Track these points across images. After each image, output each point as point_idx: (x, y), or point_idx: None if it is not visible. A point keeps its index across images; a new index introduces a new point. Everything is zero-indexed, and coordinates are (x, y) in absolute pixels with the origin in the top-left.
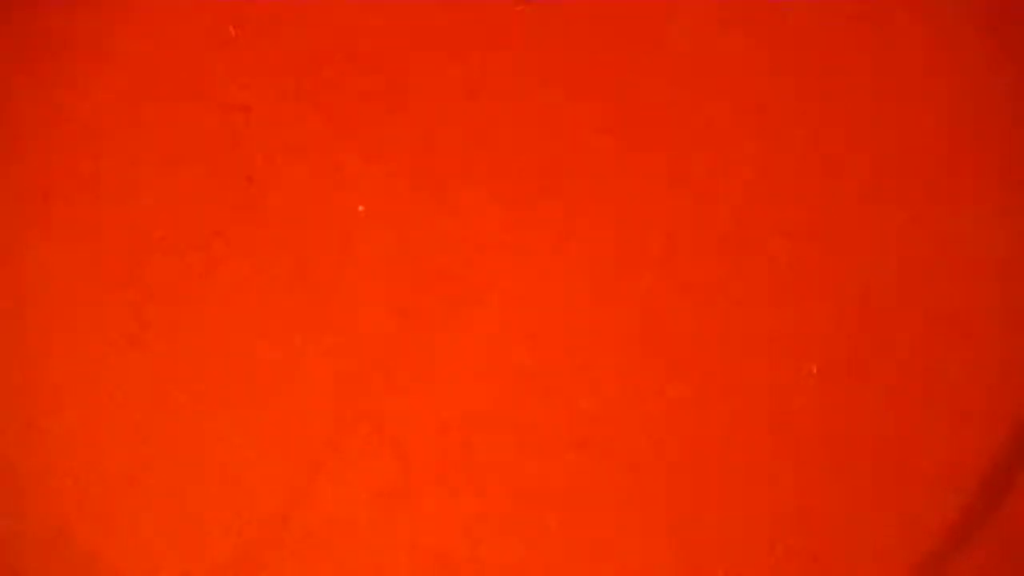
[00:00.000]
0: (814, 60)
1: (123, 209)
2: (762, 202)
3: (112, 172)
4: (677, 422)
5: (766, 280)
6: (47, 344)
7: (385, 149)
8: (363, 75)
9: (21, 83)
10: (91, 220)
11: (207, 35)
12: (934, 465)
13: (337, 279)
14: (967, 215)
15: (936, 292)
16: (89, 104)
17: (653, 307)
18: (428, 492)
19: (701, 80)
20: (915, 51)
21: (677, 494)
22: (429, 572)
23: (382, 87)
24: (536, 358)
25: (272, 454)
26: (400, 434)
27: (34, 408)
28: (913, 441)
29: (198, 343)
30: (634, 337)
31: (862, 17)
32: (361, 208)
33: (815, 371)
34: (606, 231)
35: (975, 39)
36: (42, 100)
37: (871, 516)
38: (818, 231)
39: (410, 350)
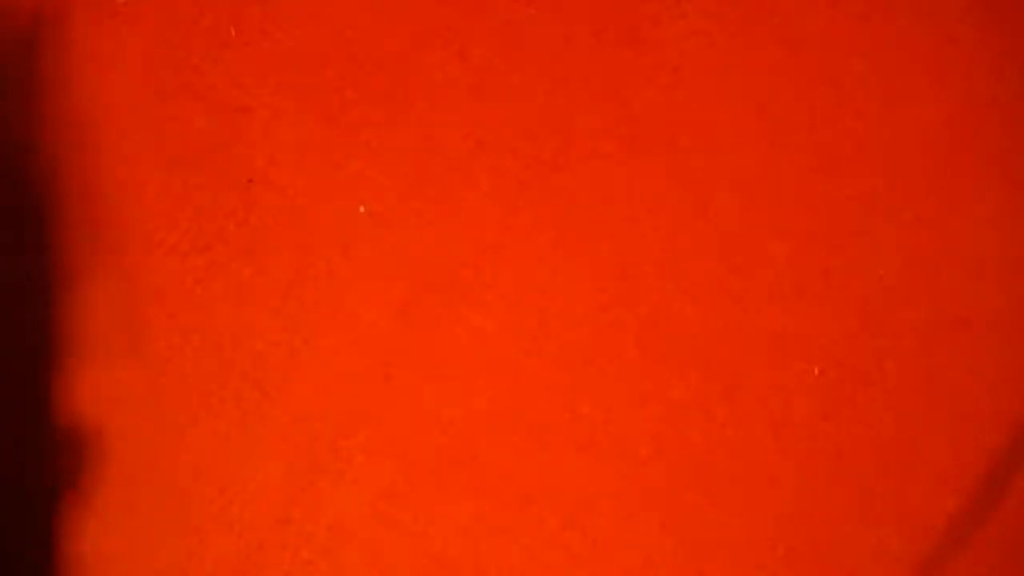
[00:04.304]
0: (815, 61)
1: (123, 209)
2: (763, 203)
3: (112, 172)
4: (679, 423)
5: (768, 282)
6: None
7: (385, 149)
8: (363, 75)
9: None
10: (92, 221)
11: (207, 35)
12: (934, 465)
13: (337, 279)
14: (967, 215)
15: (937, 293)
16: (89, 104)
17: (654, 308)
18: (428, 493)
19: (702, 81)
20: (916, 52)
21: (678, 495)
22: (429, 572)
23: (382, 87)
24: (537, 359)
25: (272, 455)
26: (400, 434)
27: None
28: (913, 442)
29: (199, 344)
30: (635, 338)
31: (863, 19)
32: (362, 208)
33: (817, 372)
34: (607, 232)
35: (976, 40)
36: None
37: (871, 516)
38: (819, 232)
39: (410, 350)
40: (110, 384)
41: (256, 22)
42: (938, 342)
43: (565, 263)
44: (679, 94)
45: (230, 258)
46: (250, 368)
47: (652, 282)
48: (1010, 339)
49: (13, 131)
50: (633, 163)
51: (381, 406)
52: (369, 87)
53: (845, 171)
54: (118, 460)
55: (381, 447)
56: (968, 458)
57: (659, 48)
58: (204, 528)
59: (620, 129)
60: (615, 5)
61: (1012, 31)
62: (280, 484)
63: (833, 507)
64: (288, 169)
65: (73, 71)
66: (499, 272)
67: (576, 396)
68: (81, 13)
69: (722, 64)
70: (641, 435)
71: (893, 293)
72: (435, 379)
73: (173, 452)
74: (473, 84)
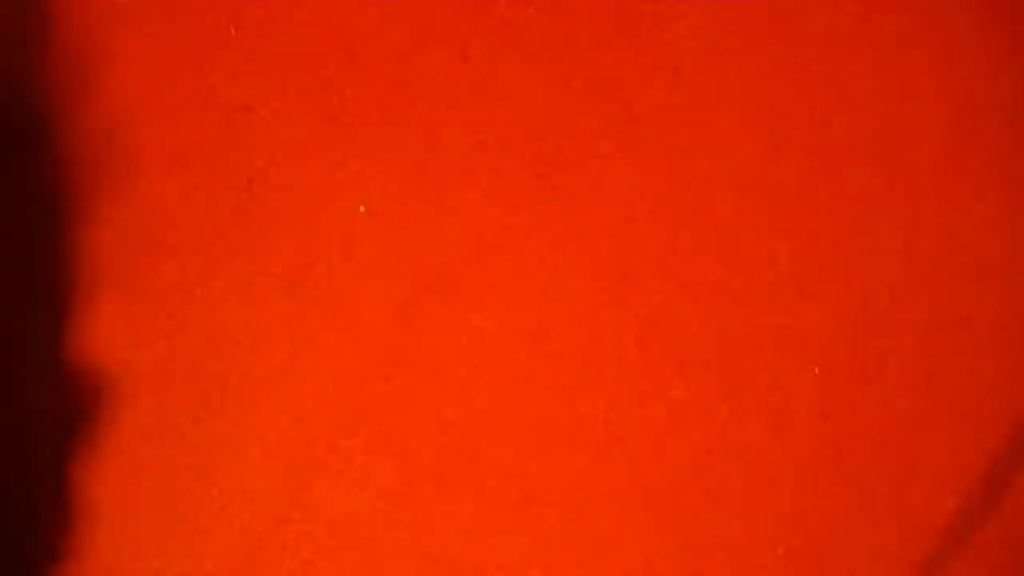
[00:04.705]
0: (815, 61)
1: (123, 209)
2: (763, 203)
3: (112, 172)
4: (678, 422)
5: (767, 281)
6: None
7: (385, 149)
8: (363, 75)
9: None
10: (91, 220)
11: (207, 35)
12: (934, 465)
13: (337, 279)
14: (967, 215)
15: (936, 293)
16: (90, 104)
17: (654, 308)
18: (428, 492)
19: (702, 81)
20: (916, 52)
21: (678, 494)
22: (429, 572)
23: (382, 87)
24: (536, 359)
25: (272, 454)
26: (400, 434)
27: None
28: (913, 441)
29: (199, 344)
30: (635, 338)
31: (863, 19)
32: (362, 208)
33: (817, 372)
34: (607, 232)
35: (976, 40)
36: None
37: (871, 516)
38: (818, 232)
39: (410, 350)
40: (110, 382)
41: (256, 22)
42: (938, 342)
43: (565, 263)
44: (679, 94)
45: (230, 258)
46: (250, 368)
47: (652, 282)
48: (1010, 339)
49: (12, 133)
50: (633, 163)
51: (381, 406)
52: (369, 87)
53: (845, 171)
54: (117, 460)
55: (381, 447)
56: (968, 458)
57: (659, 48)
58: (204, 528)
59: (620, 129)
60: (615, 5)
61: (1012, 31)
62: (280, 484)
63: (833, 507)
64: (288, 169)
65: (72, 71)
66: (499, 272)
67: (576, 396)
68: (80, 13)
69: (722, 64)
70: (641, 435)
71: (893, 293)
72: (435, 379)
73: (173, 452)
74: (473, 84)
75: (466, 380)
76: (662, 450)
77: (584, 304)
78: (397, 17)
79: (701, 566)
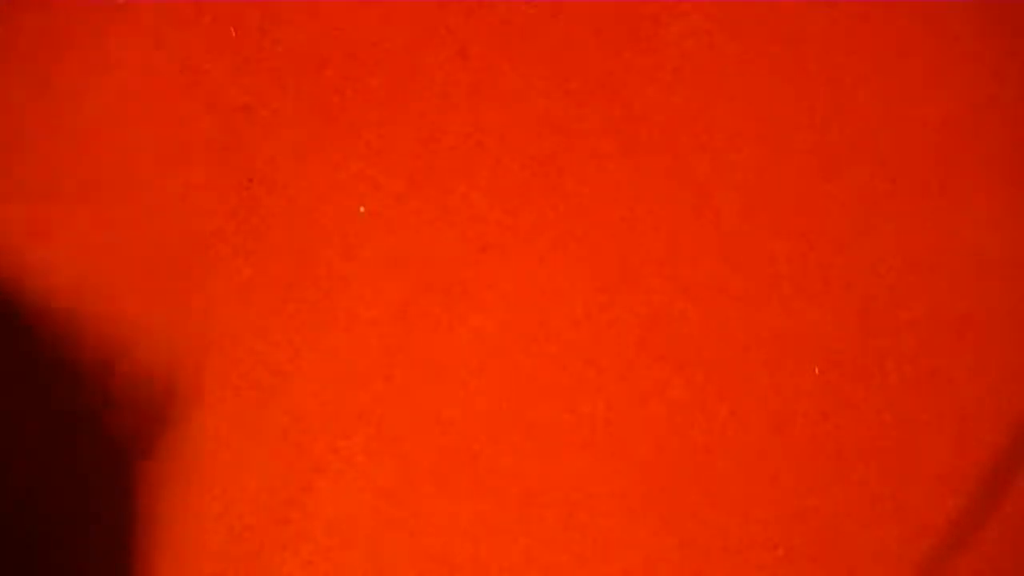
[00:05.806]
0: (815, 61)
1: (123, 209)
2: (763, 203)
3: (113, 172)
4: (679, 423)
5: (768, 281)
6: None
7: (385, 149)
8: (363, 75)
9: (23, 84)
10: (92, 220)
11: (207, 36)
12: (934, 465)
13: (337, 279)
14: (967, 215)
15: (937, 293)
16: (91, 105)
17: (655, 308)
18: (428, 492)
19: (703, 82)
20: (916, 52)
21: (679, 495)
22: (429, 572)
23: (382, 87)
24: (537, 359)
25: (272, 455)
26: (400, 434)
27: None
28: (913, 441)
29: (199, 344)
30: (636, 338)
31: (863, 19)
32: (362, 209)
33: (817, 372)
34: (607, 232)
35: (976, 40)
36: (44, 101)
37: (871, 516)
38: (819, 232)
39: (410, 350)
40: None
41: (256, 22)
42: (938, 342)
43: (565, 263)
44: (679, 94)
45: (230, 258)
46: (250, 368)
47: (652, 282)
48: (1010, 339)
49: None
50: (633, 163)
51: (381, 406)
52: (369, 87)
53: (845, 171)
54: None
55: (381, 447)
56: (968, 458)
57: (659, 48)
58: (204, 528)
59: (620, 129)
60: (615, 5)
61: (1012, 31)
62: (280, 484)
63: (833, 507)
64: (288, 169)
65: (73, 71)
66: (499, 272)
67: (576, 396)
68: (81, 13)
69: (722, 64)
70: (641, 435)
71: (893, 293)
72: (435, 379)
73: (173, 452)
74: (473, 84)
75: (466, 380)
76: (662, 450)
77: (584, 304)
78: (397, 17)
79: (701, 566)
